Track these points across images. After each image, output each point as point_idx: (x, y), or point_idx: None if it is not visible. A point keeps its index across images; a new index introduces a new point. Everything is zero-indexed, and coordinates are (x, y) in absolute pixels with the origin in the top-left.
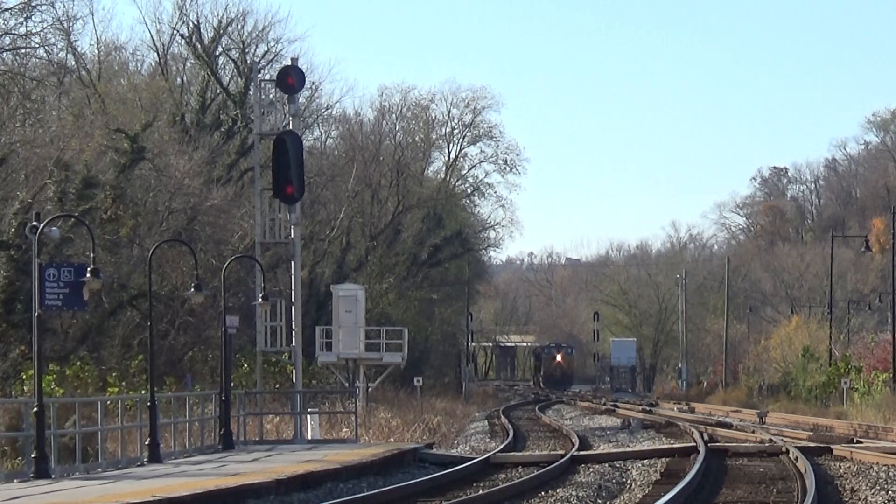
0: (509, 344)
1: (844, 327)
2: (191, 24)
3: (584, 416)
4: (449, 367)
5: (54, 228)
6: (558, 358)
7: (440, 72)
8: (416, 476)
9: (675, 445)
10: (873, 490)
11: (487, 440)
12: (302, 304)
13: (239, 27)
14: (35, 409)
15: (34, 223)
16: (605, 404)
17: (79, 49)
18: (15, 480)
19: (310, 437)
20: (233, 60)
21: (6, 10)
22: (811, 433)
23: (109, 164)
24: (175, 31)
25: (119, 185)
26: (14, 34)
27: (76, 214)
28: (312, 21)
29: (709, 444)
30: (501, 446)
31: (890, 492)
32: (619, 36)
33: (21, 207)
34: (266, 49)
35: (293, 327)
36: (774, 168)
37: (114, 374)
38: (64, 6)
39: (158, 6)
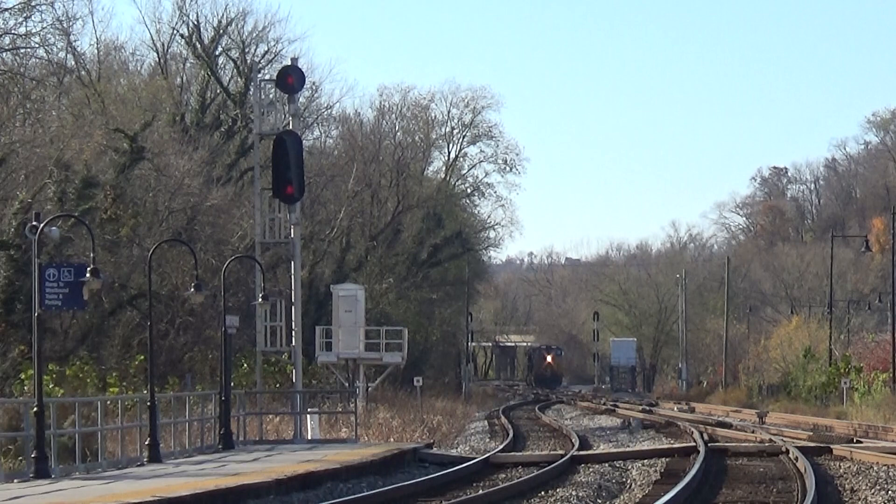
0: (509, 344)
1: (844, 327)
2: (191, 24)
3: (584, 416)
4: (449, 367)
5: (54, 228)
6: (548, 359)
7: (440, 72)
8: (416, 476)
9: (675, 445)
10: (873, 490)
11: (487, 440)
12: (302, 304)
13: (239, 27)
14: (35, 409)
15: (34, 223)
16: (605, 404)
17: (78, 49)
18: (15, 480)
19: (310, 437)
20: (233, 60)
21: (6, 10)
22: (811, 433)
23: (109, 164)
24: (175, 31)
25: (119, 185)
26: (14, 34)
27: (76, 214)
28: (312, 21)
29: (709, 444)
30: (501, 446)
31: (890, 492)
32: (619, 36)
33: (21, 207)
34: (266, 49)
35: (293, 327)
36: (774, 168)
37: (114, 374)
38: (64, 6)
39: (158, 6)
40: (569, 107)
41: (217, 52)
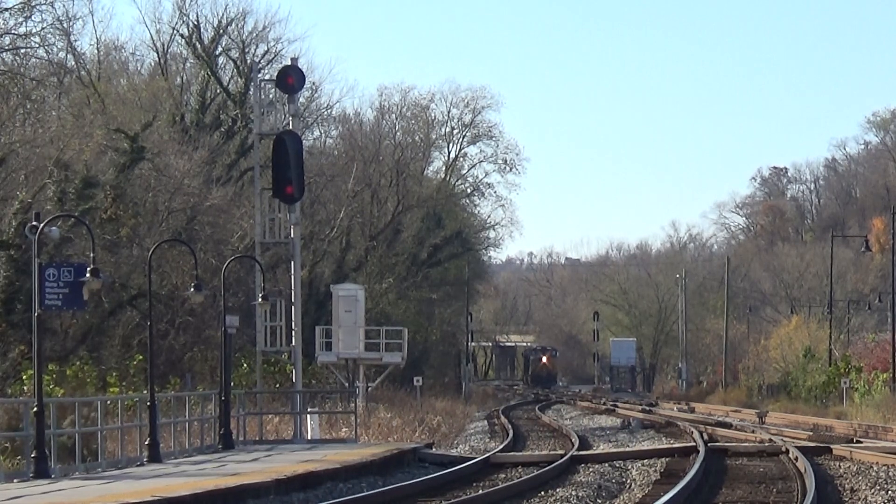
0: (509, 344)
1: (844, 327)
2: (191, 24)
3: (583, 415)
4: (449, 367)
5: (54, 228)
6: (544, 359)
7: (440, 72)
8: (416, 476)
9: (674, 445)
10: (873, 490)
11: (487, 440)
12: (302, 304)
13: (239, 27)
14: (35, 409)
15: (34, 223)
16: (604, 404)
17: (79, 49)
18: (15, 480)
19: (309, 437)
20: (233, 60)
21: (6, 10)
22: (811, 433)
23: (109, 164)
24: (175, 31)
25: (119, 185)
26: (14, 34)
27: (76, 214)
28: (312, 21)
29: (708, 444)
30: (501, 446)
31: (890, 492)
32: (619, 36)
33: (21, 207)
34: (266, 49)
35: (293, 327)
36: (774, 168)
37: (114, 374)
38: (64, 6)
39: (158, 6)
40: (569, 107)
41: (217, 52)
